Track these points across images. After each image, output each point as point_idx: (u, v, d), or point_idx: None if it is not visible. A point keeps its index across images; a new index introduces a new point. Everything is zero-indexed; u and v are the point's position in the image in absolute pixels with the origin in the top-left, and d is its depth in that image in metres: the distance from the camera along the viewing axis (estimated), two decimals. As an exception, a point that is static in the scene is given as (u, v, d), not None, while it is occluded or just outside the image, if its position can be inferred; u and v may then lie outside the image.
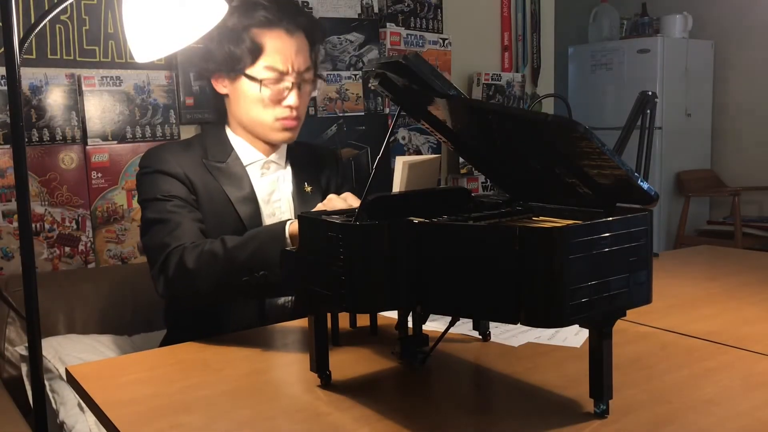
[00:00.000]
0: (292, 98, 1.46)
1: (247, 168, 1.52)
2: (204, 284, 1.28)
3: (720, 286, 1.63)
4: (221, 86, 1.50)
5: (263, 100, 1.45)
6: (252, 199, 1.49)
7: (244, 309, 1.48)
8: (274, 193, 1.54)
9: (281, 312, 1.50)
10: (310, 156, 1.64)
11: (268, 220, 1.50)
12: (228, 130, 1.54)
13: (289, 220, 1.28)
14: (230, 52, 1.42)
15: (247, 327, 1.39)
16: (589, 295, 0.83)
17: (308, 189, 1.57)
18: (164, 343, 1.55)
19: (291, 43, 1.45)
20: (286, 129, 1.49)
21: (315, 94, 1.55)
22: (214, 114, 1.60)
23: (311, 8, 2.65)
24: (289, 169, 1.58)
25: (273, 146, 1.55)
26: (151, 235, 1.39)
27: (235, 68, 1.45)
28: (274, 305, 1.50)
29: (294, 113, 1.48)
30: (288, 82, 1.45)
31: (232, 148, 1.52)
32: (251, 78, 1.44)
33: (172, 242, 1.34)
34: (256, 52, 1.43)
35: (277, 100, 1.46)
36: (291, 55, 1.45)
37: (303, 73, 1.47)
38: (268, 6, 1.44)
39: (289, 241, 1.24)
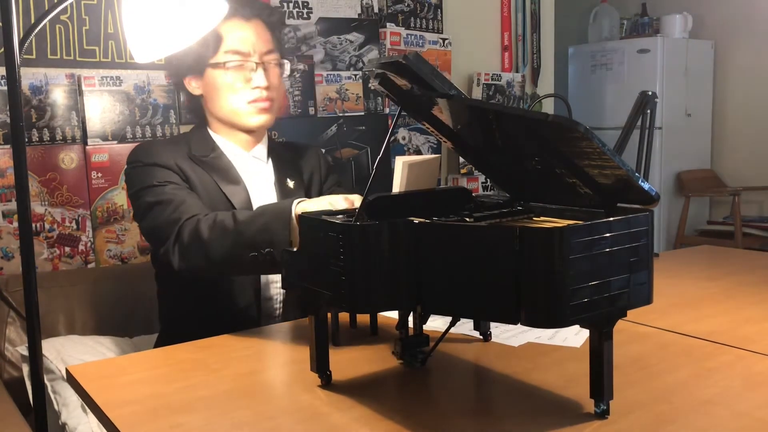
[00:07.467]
0: (259, 78, 1.48)
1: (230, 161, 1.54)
2: (216, 254, 1.28)
3: (720, 286, 1.63)
4: (194, 87, 1.53)
5: (232, 86, 1.48)
6: (242, 188, 1.50)
7: (236, 312, 1.48)
8: (256, 188, 1.54)
9: (271, 318, 1.51)
10: (293, 152, 1.66)
11: None
12: (209, 131, 1.56)
13: (296, 198, 1.26)
14: (193, 51, 1.44)
15: (239, 329, 1.38)
16: (590, 295, 0.83)
17: (290, 184, 1.58)
18: (158, 343, 1.55)
19: (248, 28, 1.49)
20: (261, 111, 1.50)
21: (285, 76, 1.58)
22: (193, 117, 1.62)
23: (311, 8, 2.65)
24: (270, 164, 1.59)
25: (253, 141, 1.57)
26: (156, 215, 1.38)
27: (200, 64, 1.48)
28: (265, 312, 1.50)
29: (265, 94, 1.50)
30: (252, 62, 1.48)
31: (215, 144, 1.54)
32: (216, 65, 1.47)
33: (183, 216, 1.34)
34: (217, 41, 1.47)
35: (246, 83, 1.48)
36: (251, 38, 1.49)
37: (266, 54, 1.50)
38: None
39: (295, 221, 1.22)
